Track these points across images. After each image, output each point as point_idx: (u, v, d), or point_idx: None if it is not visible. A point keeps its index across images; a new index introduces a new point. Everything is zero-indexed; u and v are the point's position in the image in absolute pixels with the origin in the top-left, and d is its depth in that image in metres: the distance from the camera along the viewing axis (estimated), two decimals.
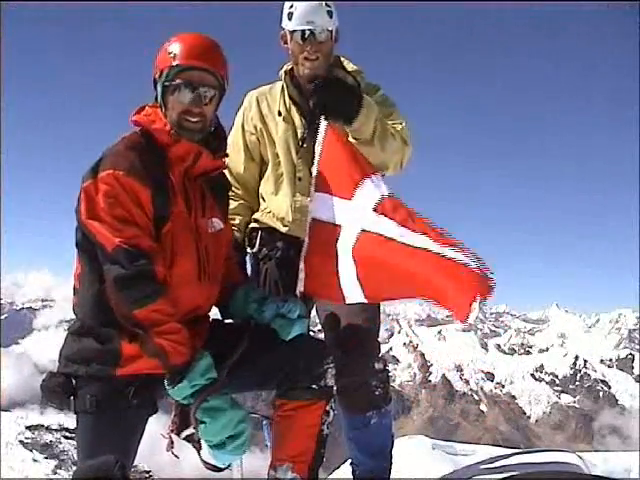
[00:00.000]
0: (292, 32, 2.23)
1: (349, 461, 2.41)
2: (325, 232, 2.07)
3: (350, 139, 2.15)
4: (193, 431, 1.56)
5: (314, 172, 2.11)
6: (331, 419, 1.83)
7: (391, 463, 2.29)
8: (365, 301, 2.01)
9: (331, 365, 1.82)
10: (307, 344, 1.87)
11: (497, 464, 2.71)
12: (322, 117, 2.10)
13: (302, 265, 2.06)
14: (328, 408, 1.82)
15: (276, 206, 2.37)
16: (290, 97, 2.37)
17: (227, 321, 1.98)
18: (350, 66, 2.38)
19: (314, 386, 1.78)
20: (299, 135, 2.32)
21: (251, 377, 1.81)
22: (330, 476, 3.10)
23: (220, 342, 1.75)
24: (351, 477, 2.35)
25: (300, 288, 2.05)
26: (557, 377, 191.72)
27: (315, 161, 2.11)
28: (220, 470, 1.62)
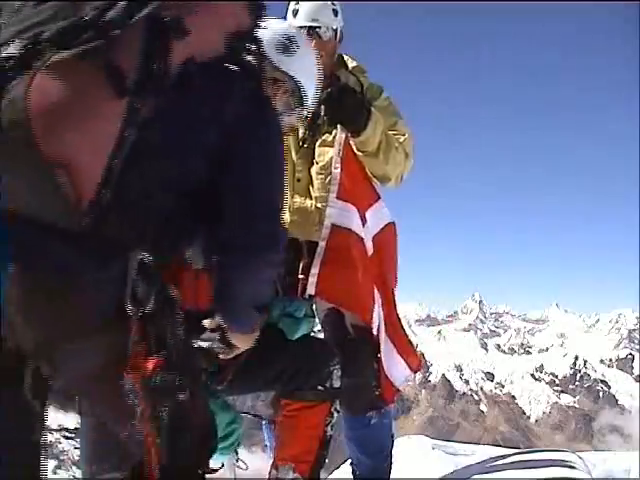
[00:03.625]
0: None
1: (349, 461, 2.40)
2: (344, 239, 2.10)
3: (355, 150, 2.16)
4: None
5: (335, 178, 2.12)
6: (335, 420, 1.82)
7: (391, 463, 2.29)
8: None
9: (337, 366, 1.81)
10: (313, 345, 1.87)
11: (497, 464, 2.71)
12: (336, 125, 2.10)
13: (314, 270, 2.07)
14: (332, 410, 1.81)
15: None
16: None
17: None
18: (353, 65, 2.37)
19: (320, 387, 1.77)
20: (300, 135, 2.32)
21: (256, 378, 1.80)
22: (330, 476, 3.10)
23: None
24: (351, 477, 2.35)
25: (310, 291, 2.06)
26: (557, 377, 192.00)
27: (336, 167, 2.10)
28: (213, 471, 1.55)
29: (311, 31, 2.19)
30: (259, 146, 1.14)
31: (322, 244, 2.08)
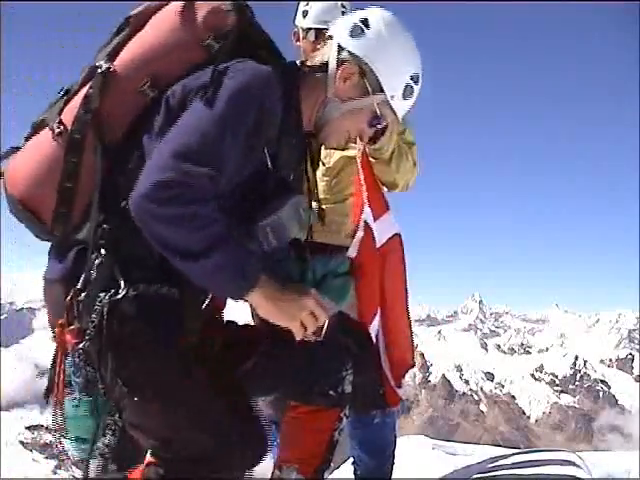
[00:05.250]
0: (305, 30, 2.25)
1: (350, 460, 2.41)
2: (370, 240, 2.10)
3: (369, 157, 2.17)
4: None
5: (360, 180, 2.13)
6: (343, 425, 1.77)
7: (393, 463, 2.29)
8: None
9: (349, 372, 1.75)
10: (325, 348, 1.82)
11: (497, 464, 2.71)
12: None
13: None
14: (342, 415, 1.75)
15: None
16: None
17: (244, 323, 1.93)
18: None
19: (331, 392, 1.71)
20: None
21: (266, 381, 1.75)
22: (331, 476, 3.10)
23: (237, 346, 1.68)
24: (352, 477, 2.36)
25: None
26: (557, 377, 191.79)
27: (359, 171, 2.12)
28: None
29: (321, 33, 2.21)
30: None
31: (360, 235, 2.00)
